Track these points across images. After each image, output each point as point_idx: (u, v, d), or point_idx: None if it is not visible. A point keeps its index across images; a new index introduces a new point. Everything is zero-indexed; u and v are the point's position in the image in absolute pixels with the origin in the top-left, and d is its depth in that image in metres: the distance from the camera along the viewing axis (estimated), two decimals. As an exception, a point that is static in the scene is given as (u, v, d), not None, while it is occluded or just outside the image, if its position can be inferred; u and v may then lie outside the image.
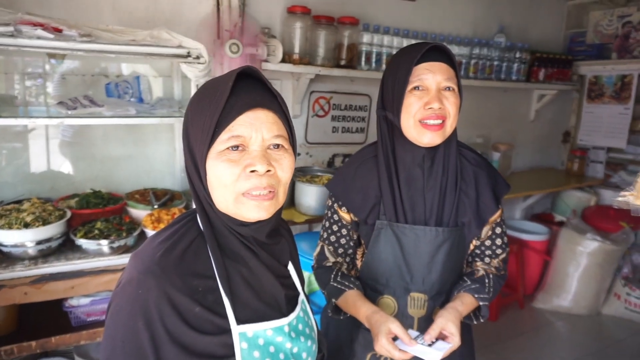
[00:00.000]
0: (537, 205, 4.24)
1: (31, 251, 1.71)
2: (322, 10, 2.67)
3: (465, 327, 1.36)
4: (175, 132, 2.38)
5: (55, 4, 2.06)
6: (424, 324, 1.29)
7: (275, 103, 0.87)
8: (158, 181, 2.42)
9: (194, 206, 0.92)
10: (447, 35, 3.20)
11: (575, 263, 3.51)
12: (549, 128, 4.29)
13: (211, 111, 0.81)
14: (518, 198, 3.98)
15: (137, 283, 0.79)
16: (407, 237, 1.29)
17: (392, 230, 1.29)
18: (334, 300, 1.32)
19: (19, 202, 1.88)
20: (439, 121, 1.21)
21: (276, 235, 0.95)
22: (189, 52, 1.82)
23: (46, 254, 1.75)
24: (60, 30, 1.63)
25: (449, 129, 1.24)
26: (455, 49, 3.14)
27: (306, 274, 2.22)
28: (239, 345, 0.83)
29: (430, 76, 1.21)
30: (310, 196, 2.46)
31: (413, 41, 2.77)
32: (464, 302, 1.28)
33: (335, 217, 1.39)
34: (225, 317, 0.84)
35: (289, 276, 1.01)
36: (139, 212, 2.03)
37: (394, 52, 2.31)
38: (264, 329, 0.88)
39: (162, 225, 1.87)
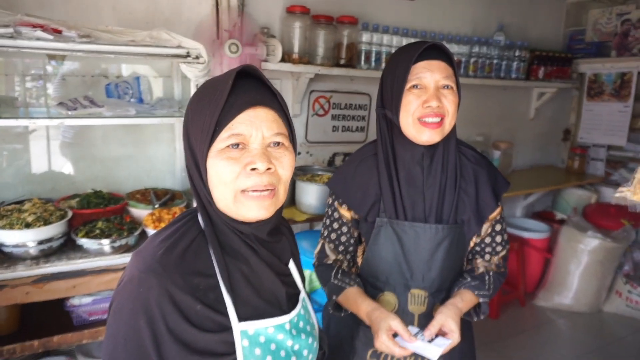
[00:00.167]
0: (538, 203, 4.24)
1: (33, 251, 1.71)
2: (321, 10, 2.67)
3: (466, 324, 1.36)
4: (176, 132, 2.38)
5: (55, 5, 2.06)
6: (424, 321, 1.30)
7: (275, 101, 0.87)
8: (159, 181, 2.43)
9: (194, 205, 0.92)
10: (446, 34, 3.20)
11: (576, 261, 3.51)
12: (549, 126, 4.29)
13: (211, 110, 0.82)
14: (519, 196, 3.98)
15: (138, 281, 0.80)
16: (407, 234, 1.29)
17: (392, 228, 1.30)
18: (334, 297, 1.32)
19: (20, 202, 1.89)
20: (438, 119, 1.22)
21: (277, 233, 0.96)
22: (188, 52, 1.83)
23: (47, 253, 1.76)
24: (59, 31, 1.64)
25: (447, 127, 1.25)
26: (454, 48, 3.14)
27: (307, 272, 2.22)
28: (240, 343, 0.84)
29: (429, 74, 1.21)
30: (311, 195, 2.46)
31: (412, 40, 2.77)
32: (464, 299, 1.28)
33: (336, 214, 1.39)
34: (226, 314, 0.84)
35: (290, 274, 1.01)
36: (140, 212, 2.04)
37: (394, 51, 2.31)
38: (265, 327, 0.88)
39: (163, 225, 1.87)
